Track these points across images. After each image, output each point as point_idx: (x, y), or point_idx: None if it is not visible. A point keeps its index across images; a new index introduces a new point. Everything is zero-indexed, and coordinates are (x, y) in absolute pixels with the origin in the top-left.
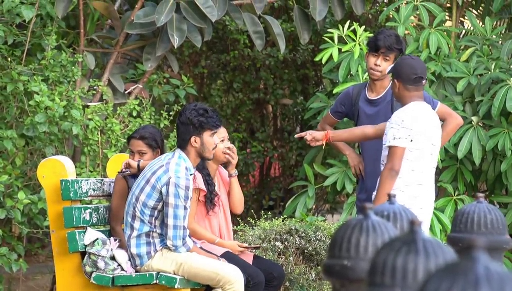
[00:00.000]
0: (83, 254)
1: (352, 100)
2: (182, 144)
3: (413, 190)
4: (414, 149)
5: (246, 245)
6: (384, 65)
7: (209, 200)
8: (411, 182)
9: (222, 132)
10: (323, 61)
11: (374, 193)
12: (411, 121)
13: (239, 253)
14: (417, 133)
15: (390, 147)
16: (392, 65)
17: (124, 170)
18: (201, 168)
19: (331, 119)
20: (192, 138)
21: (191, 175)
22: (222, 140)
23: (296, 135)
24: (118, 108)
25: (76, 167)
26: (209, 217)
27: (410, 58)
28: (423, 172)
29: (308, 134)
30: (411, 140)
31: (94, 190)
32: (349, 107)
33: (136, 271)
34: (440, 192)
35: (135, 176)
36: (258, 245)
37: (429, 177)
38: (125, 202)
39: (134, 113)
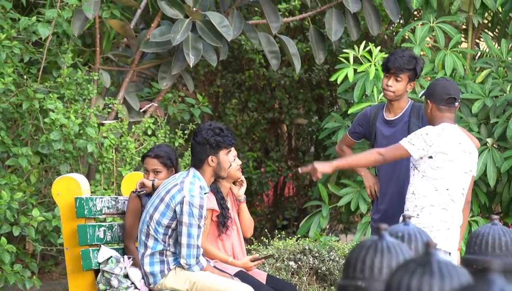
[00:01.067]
0: (96, 272)
1: (369, 120)
2: (198, 164)
3: (439, 212)
4: (436, 166)
5: (257, 256)
6: (397, 86)
7: (221, 223)
8: (435, 203)
9: (233, 150)
10: (338, 82)
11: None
12: (434, 138)
13: (252, 269)
14: (438, 152)
15: (400, 143)
16: (424, 89)
17: (138, 189)
18: (215, 191)
19: (349, 140)
20: (209, 158)
21: (205, 193)
22: (234, 160)
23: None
24: (133, 126)
25: (90, 184)
26: (222, 238)
27: (444, 79)
28: (449, 195)
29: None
30: (430, 157)
31: (108, 208)
32: (367, 128)
33: (150, 290)
34: None
35: (149, 194)
36: (269, 254)
37: (455, 202)
38: (139, 220)
39: (149, 132)
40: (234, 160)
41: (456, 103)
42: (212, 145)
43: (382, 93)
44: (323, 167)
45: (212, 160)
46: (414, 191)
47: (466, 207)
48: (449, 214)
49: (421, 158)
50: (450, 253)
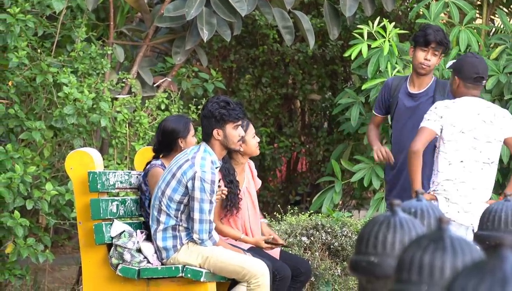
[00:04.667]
0: (109, 246)
1: (390, 91)
2: (206, 138)
3: (456, 186)
4: (446, 140)
5: (272, 240)
6: (433, 60)
7: (225, 207)
8: (451, 177)
9: (251, 127)
10: (352, 57)
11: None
12: (443, 109)
13: (266, 249)
14: (448, 124)
15: (421, 125)
16: (453, 61)
17: None
18: (227, 173)
19: (376, 118)
20: (215, 131)
21: (216, 168)
22: (254, 137)
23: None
24: (146, 101)
25: (103, 159)
26: (233, 217)
27: (474, 56)
28: (465, 167)
29: None
30: (441, 129)
31: (121, 182)
32: (388, 98)
33: (162, 264)
34: None
35: None
36: (286, 244)
37: (475, 173)
38: None
39: (163, 107)
40: (254, 137)
41: (484, 82)
42: (216, 118)
43: (396, 69)
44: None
45: (218, 133)
46: (434, 169)
47: None
48: (468, 186)
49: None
50: (472, 226)
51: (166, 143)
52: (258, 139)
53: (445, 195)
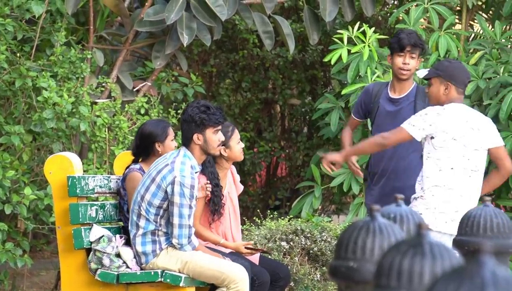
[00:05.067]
0: (88, 250)
1: (371, 97)
2: (186, 142)
3: (444, 193)
4: (439, 147)
5: (252, 246)
6: (412, 63)
7: (212, 211)
8: (440, 183)
9: (237, 133)
10: (332, 62)
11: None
12: (434, 117)
13: (245, 254)
14: (439, 131)
15: (401, 126)
16: (424, 70)
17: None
18: (212, 177)
19: (353, 120)
20: (195, 136)
21: (196, 173)
22: (238, 142)
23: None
24: (126, 105)
25: (83, 163)
26: (215, 223)
27: (459, 62)
28: (455, 174)
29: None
30: (432, 137)
31: (100, 187)
32: (369, 103)
33: (141, 269)
34: None
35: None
36: (265, 249)
37: (463, 181)
38: None
39: (142, 111)
40: (239, 143)
41: None
42: (197, 123)
43: (375, 74)
44: (333, 157)
45: (198, 138)
46: (421, 173)
47: (499, 175)
48: (456, 193)
49: (425, 139)
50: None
51: (143, 147)
52: (243, 145)
53: (432, 201)
